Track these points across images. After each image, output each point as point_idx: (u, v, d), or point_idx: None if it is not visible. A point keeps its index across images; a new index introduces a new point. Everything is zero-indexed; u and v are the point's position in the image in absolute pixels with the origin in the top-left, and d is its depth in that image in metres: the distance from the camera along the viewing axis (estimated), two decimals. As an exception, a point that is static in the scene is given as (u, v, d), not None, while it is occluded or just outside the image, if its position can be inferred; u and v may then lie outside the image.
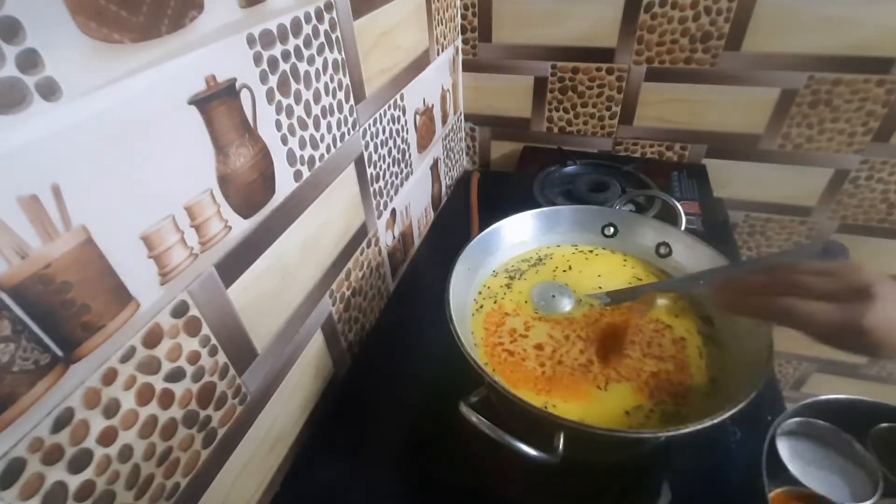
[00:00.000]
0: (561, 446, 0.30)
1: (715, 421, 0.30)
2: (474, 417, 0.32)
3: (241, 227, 0.37)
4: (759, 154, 0.81)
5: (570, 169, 0.83)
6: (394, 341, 0.60)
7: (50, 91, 0.22)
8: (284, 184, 0.41)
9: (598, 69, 0.80)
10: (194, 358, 0.35)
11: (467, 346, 0.35)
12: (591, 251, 0.55)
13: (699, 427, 0.30)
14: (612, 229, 0.55)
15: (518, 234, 0.54)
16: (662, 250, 0.53)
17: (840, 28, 0.68)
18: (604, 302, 0.47)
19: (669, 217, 0.55)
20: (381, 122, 0.57)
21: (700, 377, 0.41)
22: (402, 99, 0.62)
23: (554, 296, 0.48)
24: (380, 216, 0.62)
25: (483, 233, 0.51)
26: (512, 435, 0.31)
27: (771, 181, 0.84)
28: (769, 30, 0.70)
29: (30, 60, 0.21)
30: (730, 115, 0.79)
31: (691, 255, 0.50)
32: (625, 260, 0.54)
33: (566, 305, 0.47)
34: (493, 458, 0.36)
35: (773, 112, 0.77)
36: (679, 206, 0.56)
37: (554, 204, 0.72)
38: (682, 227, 0.53)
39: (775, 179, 0.83)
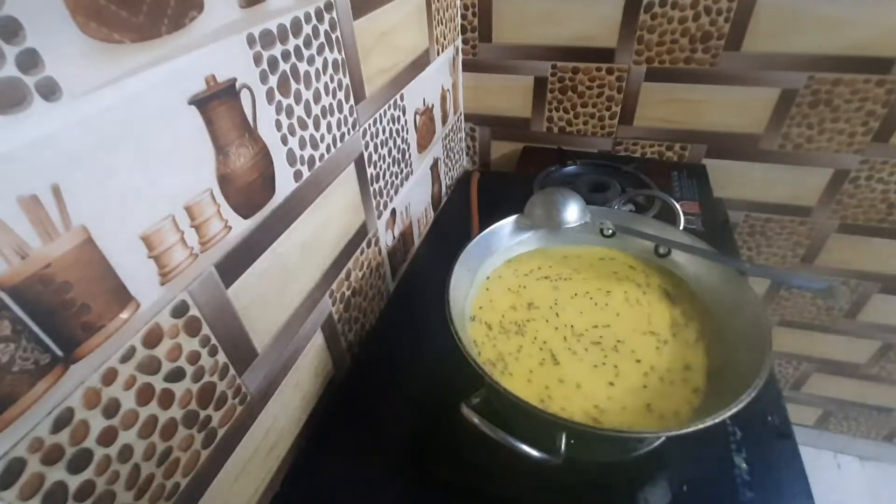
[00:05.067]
0: (563, 447, 0.30)
1: (716, 420, 0.30)
2: (476, 419, 0.31)
3: (241, 227, 0.37)
4: (759, 154, 0.81)
5: (570, 169, 0.83)
6: (394, 341, 0.60)
7: (50, 91, 0.22)
8: (284, 184, 0.41)
9: (598, 69, 0.80)
10: (194, 358, 0.35)
11: (468, 347, 0.35)
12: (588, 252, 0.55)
13: (699, 427, 0.30)
14: (610, 229, 0.55)
15: (518, 233, 0.54)
16: (661, 250, 0.53)
17: (840, 28, 0.68)
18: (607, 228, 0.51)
19: (669, 217, 0.55)
20: (381, 122, 0.57)
21: (700, 375, 0.41)
22: (402, 99, 0.62)
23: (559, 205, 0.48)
24: (380, 216, 0.62)
25: (483, 233, 0.51)
26: (513, 436, 0.31)
27: (771, 181, 0.84)
28: (769, 30, 0.70)
29: (30, 60, 0.21)
30: (730, 115, 0.79)
31: (690, 255, 0.50)
32: (626, 262, 0.54)
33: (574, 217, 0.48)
34: (494, 457, 0.36)
35: (773, 112, 0.77)
36: (678, 206, 0.56)
37: (554, 204, 0.72)
38: (681, 227, 0.53)
39: (775, 179, 0.83)
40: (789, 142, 0.79)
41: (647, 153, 0.87)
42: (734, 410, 0.31)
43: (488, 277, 0.51)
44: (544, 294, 0.49)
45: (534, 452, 0.30)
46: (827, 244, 0.89)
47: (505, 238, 0.53)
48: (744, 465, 0.42)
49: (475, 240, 0.49)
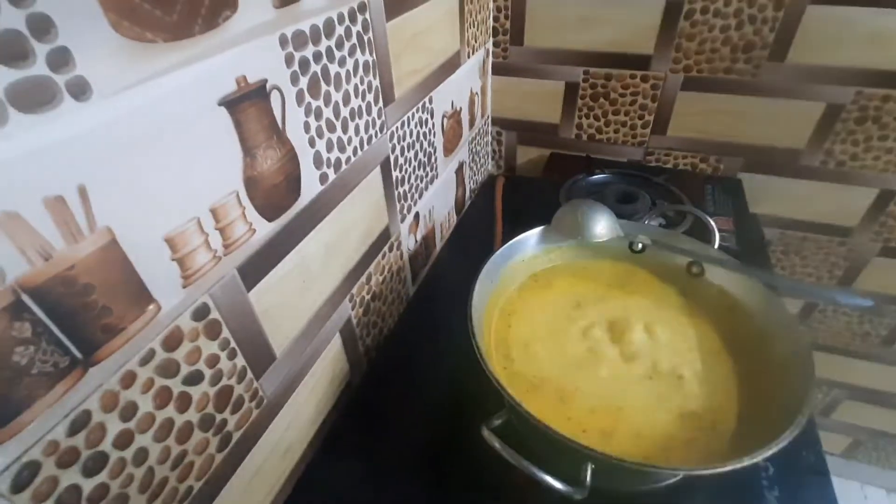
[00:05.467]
0: (588, 478, 0.29)
1: (755, 460, 0.29)
2: (497, 443, 0.30)
3: (266, 229, 0.36)
4: (799, 170, 0.78)
5: (597, 178, 0.81)
6: (412, 347, 0.59)
7: (80, 91, 0.22)
8: (310, 186, 0.41)
9: (633, 76, 0.78)
10: (213, 361, 0.34)
11: (490, 365, 0.34)
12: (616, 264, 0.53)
13: (736, 467, 0.28)
14: (640, 244, 0.53)
15: (542, 245, 0.53)
16: (694, 269, 0.51)
17: (892, 42, 0.64)
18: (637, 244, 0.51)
19: (701, 233, 0.52)
20: (408, 125, 0.56)
21: (732, 405, 0.39)
22: (430, 101, 0.61)
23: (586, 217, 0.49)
24: (403, 220, 0.61)
25: (506, 245, 0.49)
26: (536, 461, 0.29)
27: (810, 199, 0.80)
28: (817, 41, 0.67)
29: (61, 59, 0.21)
30: (769, 129, 0.76)
31: (726, 276, 0.48)
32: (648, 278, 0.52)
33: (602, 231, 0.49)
34: (512, 478, 0.34)
35: (815, 127, 0.73)
36: (713, 223, 0.54)
37: (581, 214, 0.70)
38: (716, 245, 0.51)
39: (815, 197, 0.80)
40: (832, 158, 0.75)
41: (680, 164, 0.85)
42: (774, 450, 0.29)
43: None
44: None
45: (557, 484, 0.28)
46: (867, 267, 0.85)
47: (529, 249, 0.52)
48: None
49: (498, 252, 0.48)
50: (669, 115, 0.80)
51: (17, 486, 0.23)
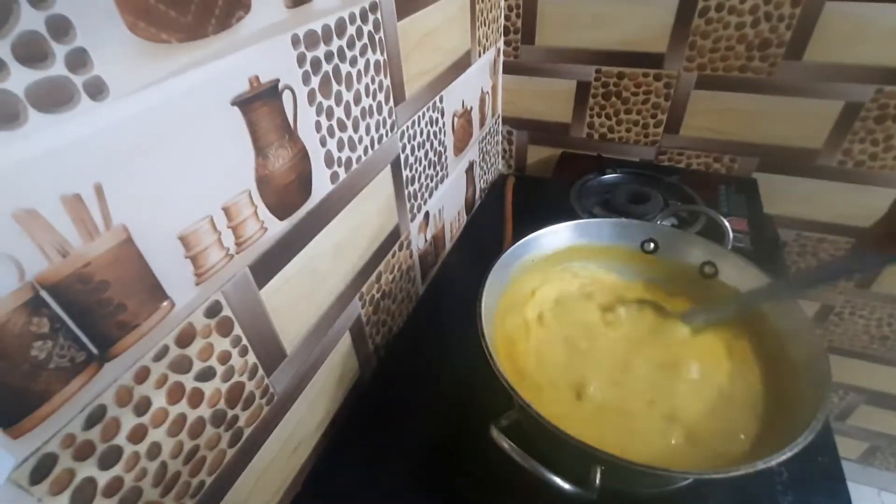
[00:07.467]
0: (598, 480, 0.28)
1: (768, 464, 0.28)
2: (506, 444, 0.30)
3: (277, 228, 0.37)
4: (816, 170, 0.76)
5: (609, 177, 0.80)
6: (421, 346, 0.60)
7: (97, 90, 0.22)
8: (321, 186, 0.41)
9: (646, 75, 0.77)
10: (225, 358, 0.34)
11: (499, 365, 0.34)
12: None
13: (749, 471, 0.28)
14: (652, 245, 0.53)
15: (552, 245, 0.52)
16: (708, 270, 0.50)
17: (914, 38, 0.63)
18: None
19: (714, 233, 0.52)
20: (419, 125, 0.56)
21: (748, 408, 0.38)
22: (441, 101, 0.61)
23: None
24: (413, 219, 0.61)
25: (516, 245, 0.49)
26: (544, 462, 0.29)
27: (827, 199, 0.79)
28: (835, 39, 0.65)
29: (79, 60, 0.21)
30: (785, 128, 0.74)
31: (741, 277, 0.47)
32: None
33: None
34: (521, 478, 0.34)
35: (833, 126, 0.72)
36: (726, 223, 0.53)
37: (591, 214, 0.70)
38: (730, 246, 0.50)
39: (832, 197, 0.78)
40: (850, 158, 0.74)
41: (693, 164, 0.84)
42: (789, 455, 0.29)
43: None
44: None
45: (566, 486, 0.28)
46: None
47: (538, 249, 0.51)
48: (789, 508, 0.39)
49: (507, 252, 0.47)
50: (683, 115, 0.79)
51: (36, 478, 0.24)
